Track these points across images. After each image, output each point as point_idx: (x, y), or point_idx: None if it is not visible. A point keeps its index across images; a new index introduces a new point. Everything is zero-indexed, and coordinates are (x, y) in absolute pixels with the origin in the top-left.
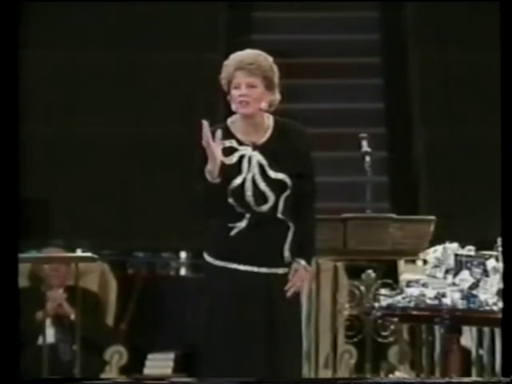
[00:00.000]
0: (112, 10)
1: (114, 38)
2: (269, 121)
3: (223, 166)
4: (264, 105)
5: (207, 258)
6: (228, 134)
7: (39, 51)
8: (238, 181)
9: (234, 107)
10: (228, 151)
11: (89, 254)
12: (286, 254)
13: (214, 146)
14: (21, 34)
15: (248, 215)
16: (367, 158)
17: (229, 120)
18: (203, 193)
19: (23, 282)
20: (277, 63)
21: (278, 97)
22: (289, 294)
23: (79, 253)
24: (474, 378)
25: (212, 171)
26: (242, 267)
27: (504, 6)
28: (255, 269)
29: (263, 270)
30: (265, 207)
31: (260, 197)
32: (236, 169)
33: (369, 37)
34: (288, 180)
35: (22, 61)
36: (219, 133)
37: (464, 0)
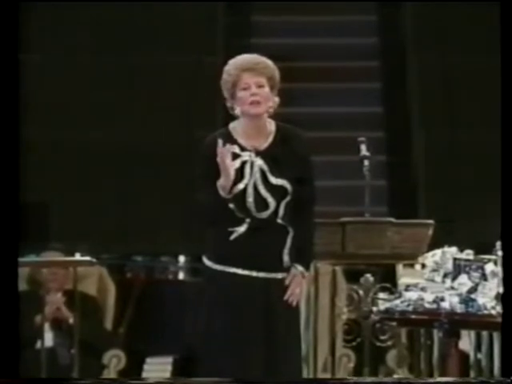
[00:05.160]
0: (111, 13)
1: (114, 41)
2: (271, 126)
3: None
4: (270, 106)
5: (206, 261)
6: (230, 140)
7: (39, 54)
8: (239, 187)
9: (240, 110)
10: (231, 157)
11: (87, 258)
12: (285, 258)
13: (230, 165)
14: (21, 37)
15: (248, 220)
16: (366, 162)
17: (230, 125)
18: (205, 199)
19: (22, 285)
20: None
21: (277, 100)
22: (289, 301)
23: (78, 257)
24: (467, 379)
25: (225, 187)
26: (240, 271)
27: (504, 6)
28: (254, 273)
29: (262, 274)
30: (265, 213)
31: (261, 203)
32: (238, 175)
33: (367, 40)
34: (289, 186)
35: (22, 64)
36: (220, 142)
37: (464, 0)
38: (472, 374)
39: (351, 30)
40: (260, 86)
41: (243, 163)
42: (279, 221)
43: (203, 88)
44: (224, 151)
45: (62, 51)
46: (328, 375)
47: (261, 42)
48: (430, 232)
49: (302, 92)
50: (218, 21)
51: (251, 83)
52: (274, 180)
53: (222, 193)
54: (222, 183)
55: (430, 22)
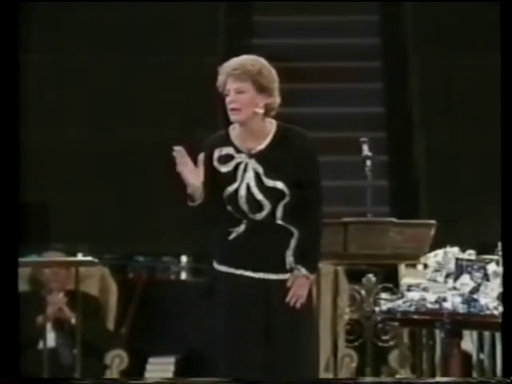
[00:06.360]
0: (112, 13)
1: (114, 41)
2: (271, 127)
3: (219, 173)
4: (258, 109)
5: (213, 262)
6: (227, 141)
7: (39, 54)
8: (231, 189)
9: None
10: (226, 159)
11: (89, 258)
12: (289, 260)
13: (187, 174)
14: (21, 37)
15: (245, 221)
16: (368, 162)
17: (230, 127)
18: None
19: (23, 286)
20: (277, 67)
21: (276, 100)
22: (291, 302)
23: (79, 257)
24: (468, 379)
25: (189, 196)
26: (239, 272)
27: (504, 6)
28: (251, 274)
29: (260, 275)
30: (260, 215)
31: (255, 205)
32: (232, 176)
33: (369, 41)
34: (286, 188)
35: (22, 64)
36: (201, 156)
37: (464, 0)
38: (474, 374)
39: (352, 30)
40: (240, 92)
41: (237, 165)
42: (279, 222)
43: (204, 88)
44: (180, 161)
45: (62, 51)
46: (330, 375)
47: (262, 42)
48: (432, 232)
49: (304, 92)
50: (219, 21)
51: (231, 89)
52: (269, 182)
53: (188, 201)
54: (188, 191)
55: (432, 22)
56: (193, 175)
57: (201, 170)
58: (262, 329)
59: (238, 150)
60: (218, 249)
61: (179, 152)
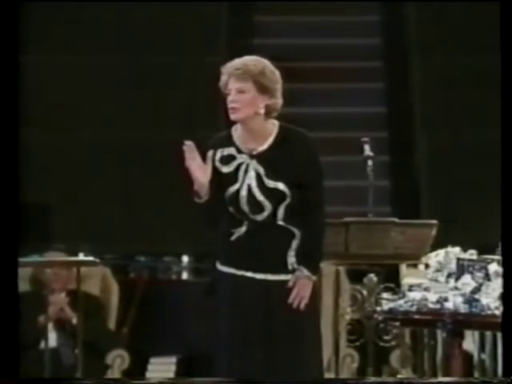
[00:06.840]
0: (112, 13)
1: (115, 41)
2: (273, 128)
3: (221, 174)
4: (259, 110)
5: (216, 263)
6: (229, 142)
7: (40, 55)
8: (233, 189)
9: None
10: (228, 159)
11: (90, 258)
12: (290, 260)
13: (194, 169)
14: (21, 37)
15: (246, 222)
16: (369, 162)
17: (233, 127)
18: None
19: (25, 286)
20: (278, 67)
21: (278, 101)
22: (295, 304)
23: (81, 257)
24: (469, 379)
25: (195, 192)
26: (240, 272)
27: (504, 6)
28: (252, 274)
29: (261, 276)
30: (261, 216)
31: (256, 205)
32: (233, 177)
33: (371, 41)
34: (287, 189)
35: (22, 64)
36: (210, 153)
37: (465, 0)
38: (476, 374)
39: (354, 30)
40: (241, 92)
41: (238, 166)
42: (280, 223)
43: (205, 88)
44: (189, 156)
45: (62, 51)
46: (332, 375)
47: (263, 42)
48: (434, 232)
49: (305, 92)
50: (221, 21)
51: (232, 89)
52: (270, 183)
53: (195, 197)
54: (194, 187)
55: (433, 23)
56: (200, 171)
57: (208, 167)
58: (264, 329)
59: (240, 151)
60: (220, 249)
61: (189, 146)
